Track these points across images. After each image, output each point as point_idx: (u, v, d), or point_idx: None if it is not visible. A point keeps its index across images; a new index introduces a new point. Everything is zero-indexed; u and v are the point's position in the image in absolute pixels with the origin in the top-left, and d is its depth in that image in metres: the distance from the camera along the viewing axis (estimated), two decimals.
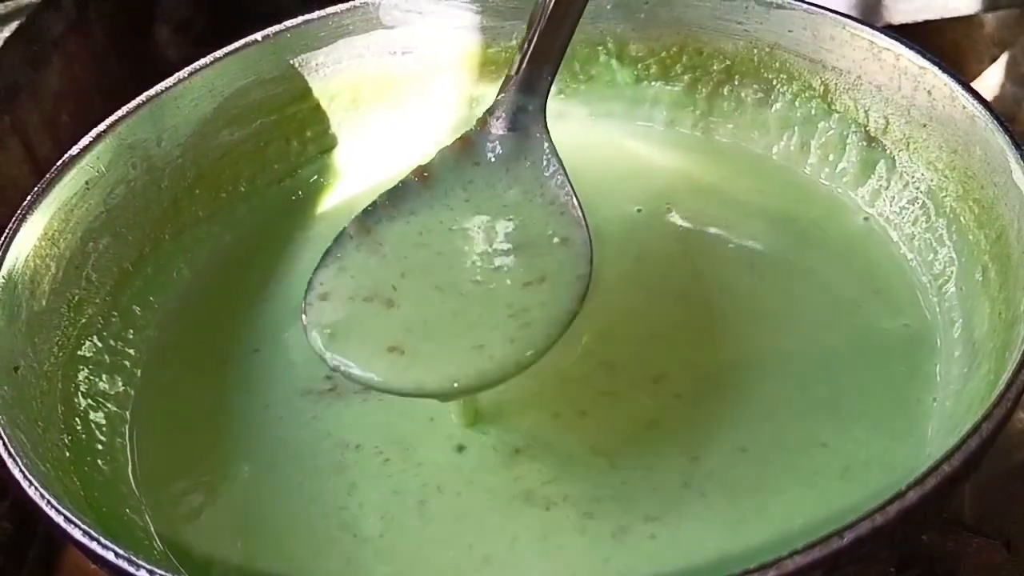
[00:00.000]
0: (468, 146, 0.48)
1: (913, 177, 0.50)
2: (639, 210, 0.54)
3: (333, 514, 0.42)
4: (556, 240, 0.44)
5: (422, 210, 0.45)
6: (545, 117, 0.48)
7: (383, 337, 0.40)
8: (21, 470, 0.37)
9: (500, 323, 0.40)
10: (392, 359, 0.40)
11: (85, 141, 0.50)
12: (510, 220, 0.45)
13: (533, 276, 0.42)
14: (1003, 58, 0.70)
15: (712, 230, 0.53)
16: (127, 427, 0.47)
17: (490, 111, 0.48)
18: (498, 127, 0.48)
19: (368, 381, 0.40)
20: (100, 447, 0.45)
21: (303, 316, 0.42)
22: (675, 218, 0.53)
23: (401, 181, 0.47)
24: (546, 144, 0.47)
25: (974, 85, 0.47)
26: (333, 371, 0.40)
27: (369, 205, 0.46)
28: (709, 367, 0.46)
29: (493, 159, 0.47)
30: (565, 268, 0.42)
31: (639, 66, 0.57)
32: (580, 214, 0.44)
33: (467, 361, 0.40)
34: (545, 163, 0.46)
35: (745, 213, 0.53)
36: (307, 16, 0.56)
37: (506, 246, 0.44)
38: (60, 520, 0.35)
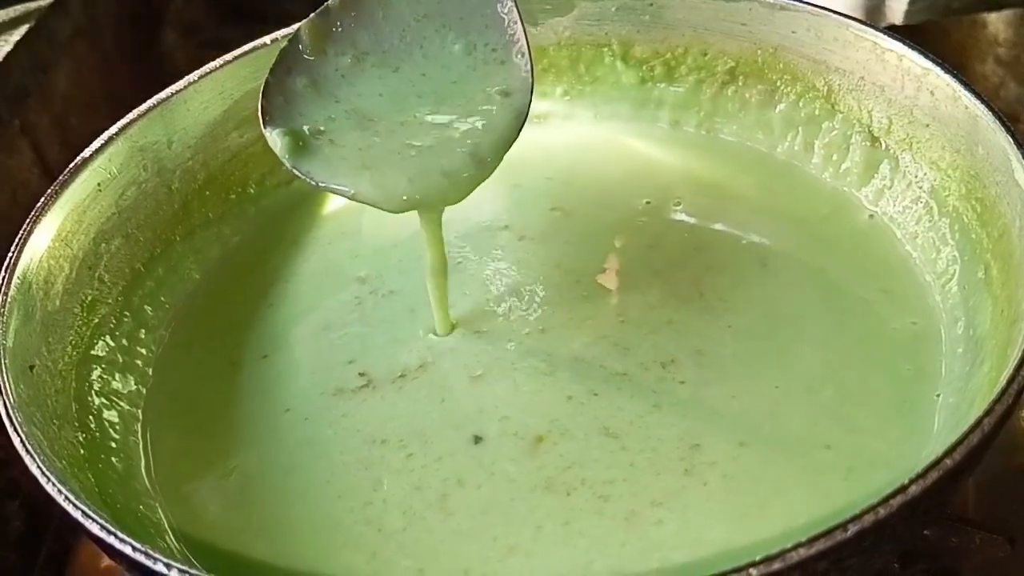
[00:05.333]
0: None
1: (916, 177, 0.50)
2: (648, 203, 0.54)
3: (359, 509, 0.42)
4: (497, 95, 0.45)
5: (384, 67, 0.47)
6: None
7: (352, 161, 0.44)
8: (39, 466, 0.37)
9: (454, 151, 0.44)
10: (361, 175, 0.44)
11: (97, 144, 0.50)
12: (455, 83, 0.47)
13: (476, 118, 0.45)
14: (1006, 58, 0.71)
15: (722, 225, 0.53)
16: (140, 425, 0.47)
17: None
18: None
19: (336, 190, 0.44)
20: (114, 445, 0.46)
21: (262, 121, 0.45)
22: (685, 213, 0.54)
23: None
24: None
25: (977, 85, 0.47)
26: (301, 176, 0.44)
27: (322, 8, 0.48)
28: (715, 358, 0.46)
29: None
30: (506, 110, 0.45)
31: (644, 67, 0.58)
32: (526, 55, 0.46)
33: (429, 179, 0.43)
34: None
35: (753, 210, 0.54)
36: None
37: (459, 102, 0.46)
38: (78, 515, 0.36)
